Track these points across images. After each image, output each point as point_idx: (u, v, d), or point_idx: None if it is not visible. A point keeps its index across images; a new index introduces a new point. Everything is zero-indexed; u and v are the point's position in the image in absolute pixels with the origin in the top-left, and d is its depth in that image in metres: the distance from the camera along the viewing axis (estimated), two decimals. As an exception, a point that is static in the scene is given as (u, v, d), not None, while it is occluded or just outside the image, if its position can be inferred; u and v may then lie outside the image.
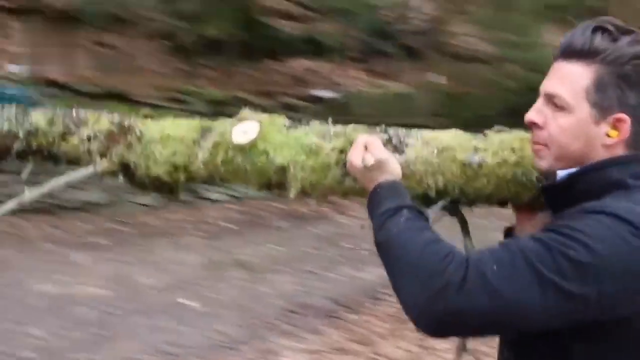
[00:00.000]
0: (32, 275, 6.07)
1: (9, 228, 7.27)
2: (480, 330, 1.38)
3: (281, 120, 1.82)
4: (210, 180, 1.86)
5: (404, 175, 1.66)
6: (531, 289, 1.32)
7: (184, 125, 1.87)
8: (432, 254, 1.39)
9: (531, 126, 1.51)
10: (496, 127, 1.74)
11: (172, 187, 1.84)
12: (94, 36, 9.34)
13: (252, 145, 1.76)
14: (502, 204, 1.76)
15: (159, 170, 1.79)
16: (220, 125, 1.83)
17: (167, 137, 1.80)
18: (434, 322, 1.35)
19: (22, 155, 1.88)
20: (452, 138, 1.74)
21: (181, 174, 1.83)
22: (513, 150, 1.68)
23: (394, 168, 1.59)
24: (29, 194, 1.82)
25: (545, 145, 1.49)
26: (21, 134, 1.82)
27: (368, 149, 1.60)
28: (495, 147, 1.70)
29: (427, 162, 1.71)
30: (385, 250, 1.46)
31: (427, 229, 1.47)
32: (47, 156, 1.89)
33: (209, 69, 10.18)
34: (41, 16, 9.20)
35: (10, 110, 1.88)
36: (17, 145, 1.85)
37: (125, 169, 1.81)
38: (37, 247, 6.98)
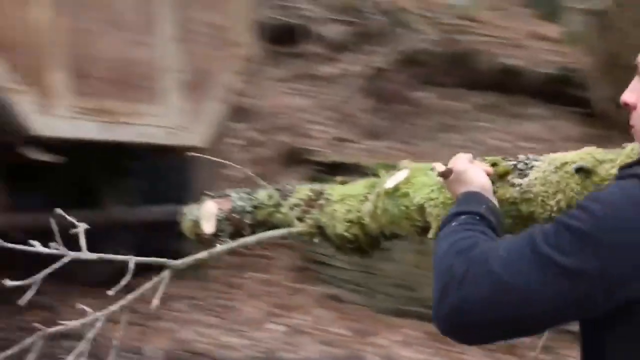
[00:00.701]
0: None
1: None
2: (497, 326, 1.20)
3: (431, 164, 1.80)
4: (380, 232, 1.87)
5: (527, 200, 1.61)
6: (531, 269, 1.16)
7: (361, 183, 1.96)
8: (451, 252, 1.27)
9: (626, 108, 1.33)
10: None
11: (359, 245, 1.87)
12: None
13: (396, 188, 1.80)
14: None
15: (340, 228, 1.86)
16: (384, 178, 1.88)
17: (345, 196, 1.90)
18: (447, 323, 1.22)
19: (253, 228, 2.04)
20: (578, 154, 1.58)
21: (356, 228, 1.89)
22: (645, 157, 1.40)
23: (473, 178, 1.50)
24: (221, 247, 1.98)
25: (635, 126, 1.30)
26: (249, 208, 2.01)
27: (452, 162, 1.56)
28: (624, 156, 1.48)
29: (547, 182, 1.59)
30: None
31: (473, 229, 1.32)
32: (270, 227, 2.04)
33: None
34: None
35: (245, 191, 2.08)
36: (247, 219, 2.04)
37: (320, 230, 1.91)
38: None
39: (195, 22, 4.75)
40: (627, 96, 1.33)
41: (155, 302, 1.77)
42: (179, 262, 1.92)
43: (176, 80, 4.60)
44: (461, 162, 1.56)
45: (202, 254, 1.96)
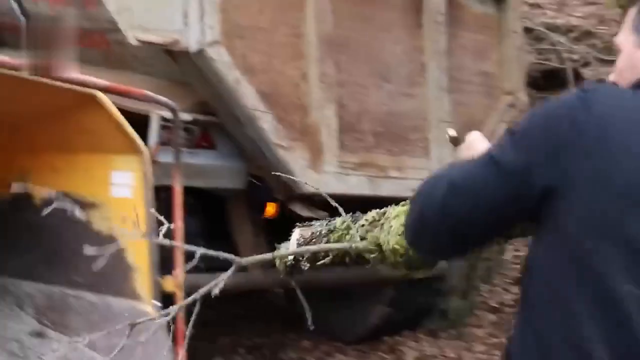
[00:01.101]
0: None
1: None
2: (449, 230, 1.37)
3: None
4: None
5: None
6: (478, 170, 1.34)
7: None
8: (432, 176, 1.45)
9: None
10: None
11: (409, 258, 1.88)
12: None
13: None
14: None
15: (392, 242, 1.91)
16: None
17: (401, 212, 1.95)
18: (410, 234, 1.49)
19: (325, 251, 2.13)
20: None
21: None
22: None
23: (481, 149, 1.55)
24: (285, 251, 2.14)
25: None
26: (324, 232, 2.12)
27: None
28: None
29: None
30: None
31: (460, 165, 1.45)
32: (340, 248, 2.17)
33: None
34: None
35: (327, 219, 2.16)
36: (322, 242, 2.10)
37: (379, 247, 1.97)
38: None
39: (464, 71, 4.54)
40: (611, 75, 1.46)
41: (216, 291, 1.88)
42: (243, 260, 2.03)
43: (445, 131, 4.41)
44: (475, 134, 1.65)
45: (267, 255, 2.14)
